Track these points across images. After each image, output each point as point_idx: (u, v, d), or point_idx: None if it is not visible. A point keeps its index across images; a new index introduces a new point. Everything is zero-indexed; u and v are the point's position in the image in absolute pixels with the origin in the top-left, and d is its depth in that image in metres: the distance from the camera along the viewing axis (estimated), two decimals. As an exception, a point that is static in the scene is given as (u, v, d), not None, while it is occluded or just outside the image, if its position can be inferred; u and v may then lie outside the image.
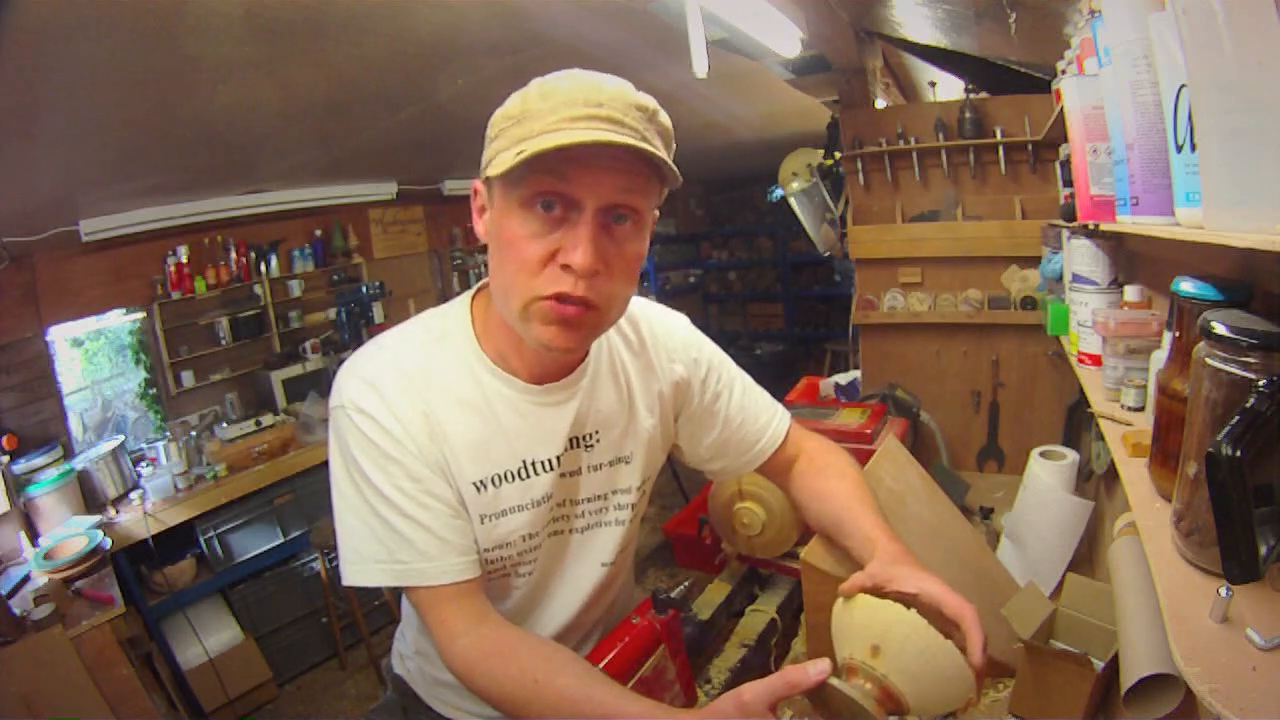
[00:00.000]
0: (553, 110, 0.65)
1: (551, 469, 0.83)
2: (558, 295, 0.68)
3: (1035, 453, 1.53)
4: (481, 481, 0.79)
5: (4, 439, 2.78)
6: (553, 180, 0.66)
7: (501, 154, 0.67)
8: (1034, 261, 1.85)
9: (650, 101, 0.69)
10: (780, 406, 1.03)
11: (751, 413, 0.99)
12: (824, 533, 0.96)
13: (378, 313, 3.96)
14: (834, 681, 0.63)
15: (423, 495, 0.75)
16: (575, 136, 0.63)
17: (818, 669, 0.60)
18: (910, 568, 0.77)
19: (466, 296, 0.84)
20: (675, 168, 0.68)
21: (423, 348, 0.80)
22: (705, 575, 1.64)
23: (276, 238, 3.97)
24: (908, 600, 0.69)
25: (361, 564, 0.76)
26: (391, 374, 0.77)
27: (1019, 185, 2.04)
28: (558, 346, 0.71)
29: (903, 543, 0.83)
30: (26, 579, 2.46)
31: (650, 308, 0.97)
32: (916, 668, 0.63)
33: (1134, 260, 1.22)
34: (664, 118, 0.71)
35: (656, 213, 0.77)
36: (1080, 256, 1.22)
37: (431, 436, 0.76)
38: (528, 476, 0.82)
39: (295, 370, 3.90)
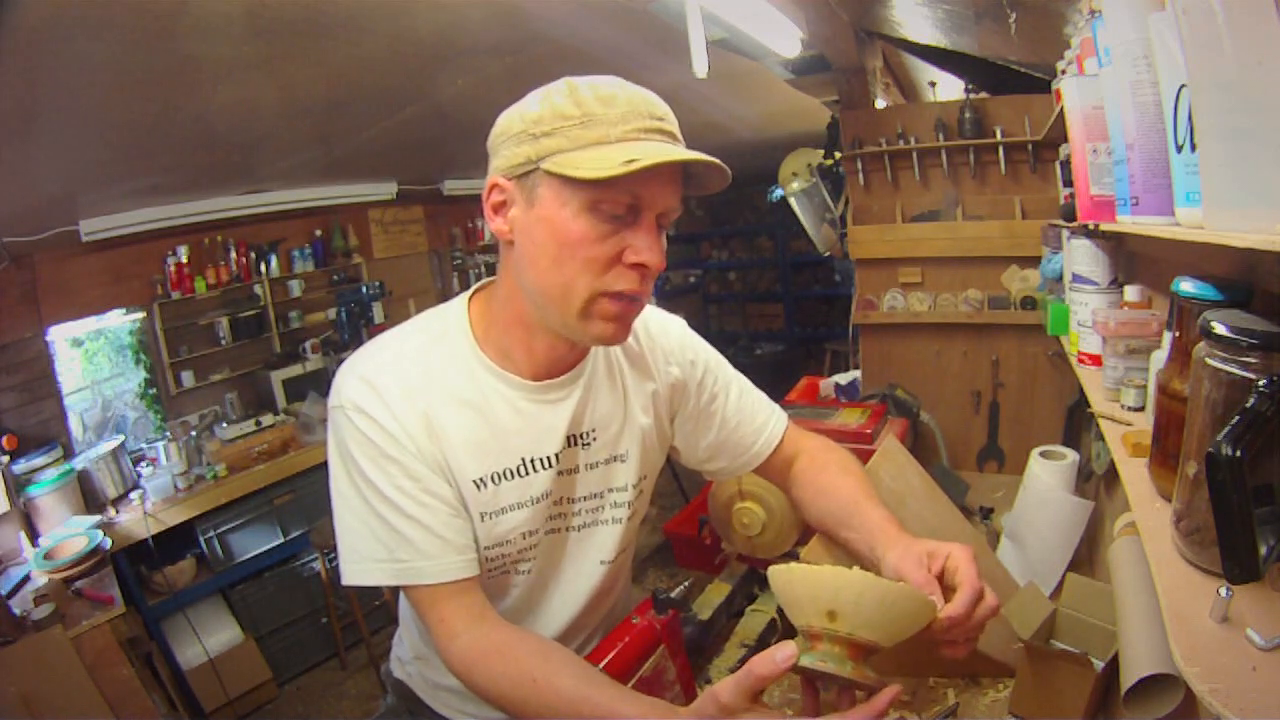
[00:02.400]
0: (623, 119, 0.68)
1: (550, 466, 0.83)
2: (626, 292, 0.72)
3: (1035, 453, 1.53)
4: (481, 479, 0.80)
5: (4, 439, 2.77)
6: (637, 188, 0.69)
7: (578, 154, 0.67)
8: (1034, 261, 1.85)
9: None
10: (777, 408, 1.04)
11: (748, 414, 0.99)
12: (826, 530, 0.96)
13: (378, 313, 3.96)
14: (804, 662, 0.64)
15: (421, 494, 0.76)
16: (679, 154, 0.68)
17: (784, 655, 0.60)
18: (936, 543, 0.79)
19: (464, 297, 0.85)
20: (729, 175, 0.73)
21: (421, 347, 0.80)
22: (705, 575, 1.64)
23: (276, 238, 3.97)
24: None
25: (361, 563, 0.76)
26: (390, 374, 0.77)
27: (1019, 185, 2.05)
28: (617, 340, 0.77)
29: (910, 534, 0.84)
30: (26, 579, 2.46)
31: (648, 310, 0.97)
32: (879, 617, 0.64)
33: (1134, 260, 1.22)
34: None
35: None
36: (1080, 256, 1.22)
37: (430, 435, 0.77)
38: (527, 474, 0.82)
39: (295, 370, 3.90)
